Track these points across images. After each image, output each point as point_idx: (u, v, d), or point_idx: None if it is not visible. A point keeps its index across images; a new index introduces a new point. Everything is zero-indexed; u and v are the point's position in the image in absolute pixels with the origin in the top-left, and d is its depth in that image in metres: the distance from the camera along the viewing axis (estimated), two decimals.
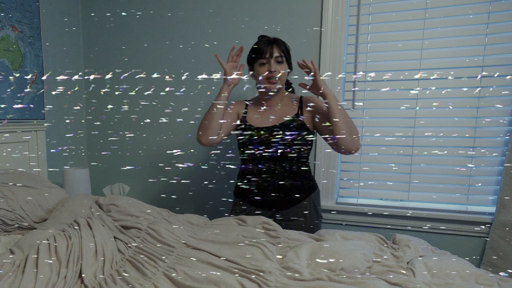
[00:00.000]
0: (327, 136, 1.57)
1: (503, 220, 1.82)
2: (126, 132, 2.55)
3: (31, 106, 2.14)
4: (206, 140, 1.58)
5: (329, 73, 2.05)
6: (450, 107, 1.92)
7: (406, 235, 1.46)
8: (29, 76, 2.10)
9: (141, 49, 2.44)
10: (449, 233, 1.97)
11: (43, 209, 1.63)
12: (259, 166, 1.61)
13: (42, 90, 2.20)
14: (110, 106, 2.55)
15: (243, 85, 2.11)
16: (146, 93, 2.46)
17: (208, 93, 2.32)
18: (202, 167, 2.39)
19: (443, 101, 1.93)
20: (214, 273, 1.10)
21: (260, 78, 1.58)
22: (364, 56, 2.03)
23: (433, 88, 1.94)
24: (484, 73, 1.86)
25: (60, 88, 2.38)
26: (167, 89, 2.41)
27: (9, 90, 2.00)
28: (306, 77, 1.54)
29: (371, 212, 2.07)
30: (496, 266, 1.84)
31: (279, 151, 1.57)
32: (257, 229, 1.43)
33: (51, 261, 1.12)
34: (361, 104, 2.07)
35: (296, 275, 1.12)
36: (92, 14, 2.51)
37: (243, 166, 1.70)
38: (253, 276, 1.09)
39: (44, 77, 2.16)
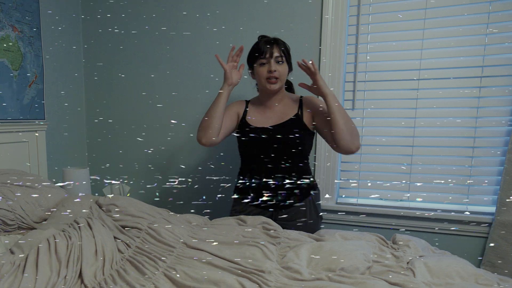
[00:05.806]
0: (327, 136, 1.58)
1: (503, 220, 1.82)
2: (126, 132, 2.55)
3: (31, 106, 2.14)
4: (206, 140, 1.58)
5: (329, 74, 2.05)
6: (450, 107, 1.92)
7: (406, 235, 1.46)
8: (29, 76, 2.10)
9: (141, 49, 2.44)
10: (449, 233, 1.97)
11: (43, 209, 1.63)
12: (259, 166, 1.61)
13: (42, 90, 2.20)
14: (110, 106, 2.56)
15: (243, 85, 2.11)
16: (146, 93, 2.46)
17: (207, 91, 2.32)
18: (202, 167, 2.39)
19: (443, 101, 1.93)
20: (214, 273, 1.10)
21: (261, 78, 1.58)
22: (364, 56, 2.03)
23: (433, 88, 1.94)
24: (484, 73, 1.86)
25: (60, 88, 2.39)
26: (168, 89, 2.41)
27: (9, 90, 2.00)
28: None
29: (371, 212, 2.07)
30: (496, 266, 1.84)
31: (279, 151, 1.57)
32: (257, 229, 1.43)
33: (51, 261, 1.12)
34: (361, 104, 2.07)
35: (296, 275, 1.12)
36: (93, 14, 2.51)
37: (243, 166, 1.70)
38: (253, 276, 1.09)
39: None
